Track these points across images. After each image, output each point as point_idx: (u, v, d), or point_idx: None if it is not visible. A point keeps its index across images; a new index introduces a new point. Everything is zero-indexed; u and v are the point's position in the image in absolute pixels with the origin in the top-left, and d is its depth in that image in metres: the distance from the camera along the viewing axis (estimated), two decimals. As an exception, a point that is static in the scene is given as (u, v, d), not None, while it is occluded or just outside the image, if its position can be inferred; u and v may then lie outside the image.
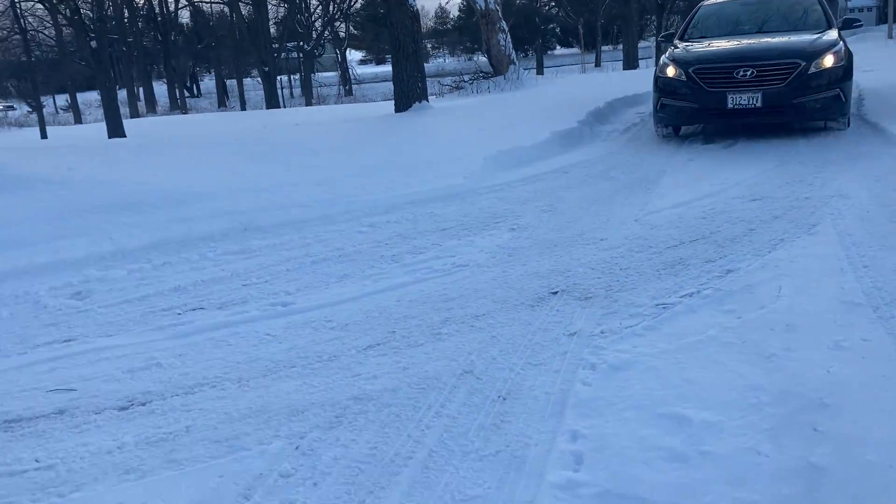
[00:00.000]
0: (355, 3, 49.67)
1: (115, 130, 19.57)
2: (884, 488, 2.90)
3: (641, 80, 16.81)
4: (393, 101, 17.15)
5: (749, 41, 11.23)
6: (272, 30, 45.77)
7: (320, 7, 47.43)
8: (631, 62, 40.67)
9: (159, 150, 10.47)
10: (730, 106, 10.16)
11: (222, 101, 48.54)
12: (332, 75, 52.13)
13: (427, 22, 57.40)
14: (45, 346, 5.04)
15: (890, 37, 41.65)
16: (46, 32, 40.84)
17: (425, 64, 18.72)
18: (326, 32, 49.05)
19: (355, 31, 55.48)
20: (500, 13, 23.81)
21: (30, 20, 35.97)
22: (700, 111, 10.64)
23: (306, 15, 47.23)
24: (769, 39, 11.14)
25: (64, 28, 38.59)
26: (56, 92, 53.60)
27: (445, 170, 9.63)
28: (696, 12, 13.17)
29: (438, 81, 26.83)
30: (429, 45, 54.62)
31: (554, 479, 3.12)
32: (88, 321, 5.47)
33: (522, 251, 6.41)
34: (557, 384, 3.95)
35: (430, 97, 17.56)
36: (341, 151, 10.86)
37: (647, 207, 7.49)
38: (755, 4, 12.81)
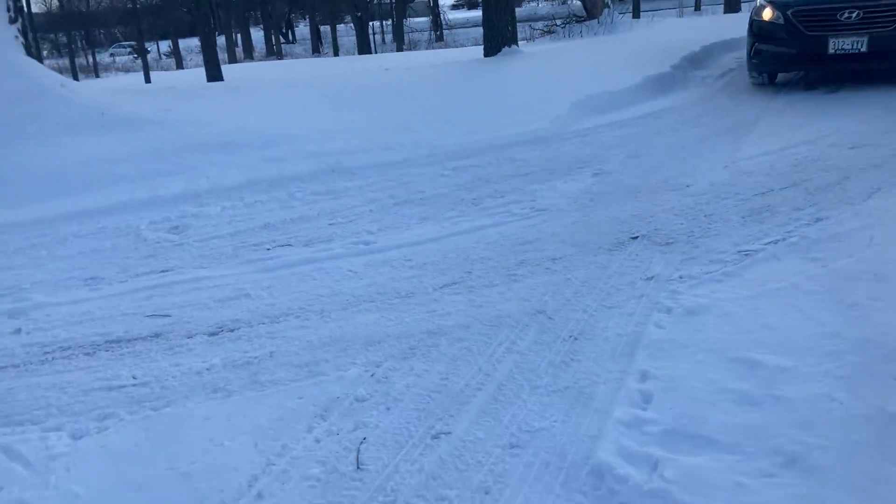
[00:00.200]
0: (448, -54, 48.90)
1: (214, 75, 20.14)
2: (964, 440, 2.81)
3: (741, 24, 15.99)
4: (482, 47, 16.97)
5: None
6: (365, -25, 45.72)
7: (413, -49, 47.01)
8: (732, 5, 38.69)
9: (253, 94, 10.77)
10: (831, 51, 9.57)
11: (316, 48, 49.09)
12: (423, 20, 51.84)
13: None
14: (144, 276, 5.36)
15: None
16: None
17: (517, 8, 18.40)
18: (419, -23, 48.63)
19: (448, -24, 54.72)
20: (595, -47, 23.01)
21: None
22: (798, 57, 10.07)
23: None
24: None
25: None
26: (159, 38, 55.33)
27: (531, 115, 9.54)
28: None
29: (530, 26, 26.31)
30: (522, -10, 53.34)
31: (621, 415, 3.16)
32: (184, 254, 5.77)
33: (605, 196, 6.35)
34: (630, 326, 3.95)
35: (520, 42, 17.28)
36: (427, 96, 10.88)
37: (737, 154, 7.25)
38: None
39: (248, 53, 48.90)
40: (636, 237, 5.27)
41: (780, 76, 11.08)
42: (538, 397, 3.37)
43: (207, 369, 3.79)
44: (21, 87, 8.64)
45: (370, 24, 43.88)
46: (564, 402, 3.32)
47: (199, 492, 2.80)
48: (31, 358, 4.11)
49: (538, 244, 5.32)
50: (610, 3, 23.56)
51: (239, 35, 52.56)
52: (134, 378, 3.76)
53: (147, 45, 38.96)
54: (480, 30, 17.35)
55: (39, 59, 14.12)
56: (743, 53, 11.59)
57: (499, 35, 16.05)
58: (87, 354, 4.10)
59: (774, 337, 3.64)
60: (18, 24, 9.27)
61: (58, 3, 52.27)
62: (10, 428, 3.34)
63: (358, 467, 2.93)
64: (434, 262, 5.15)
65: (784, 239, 4.88)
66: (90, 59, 43.55)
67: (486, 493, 2.78)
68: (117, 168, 7.62)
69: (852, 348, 3.47)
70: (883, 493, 2.57)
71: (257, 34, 56.02)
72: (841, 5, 9.56)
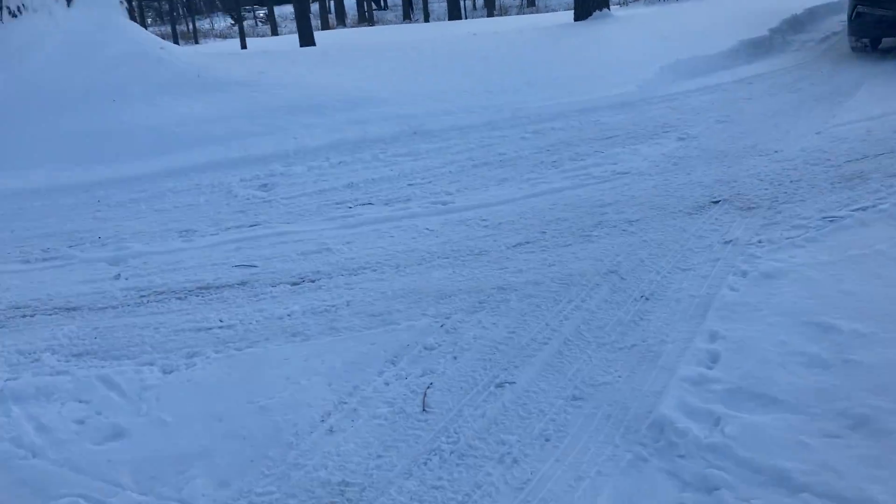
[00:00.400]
0: None
1: (306, 40, 20.49)
2: None
3: (850, -16, 15.19)
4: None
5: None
6: (458, -61, 45.32)
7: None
8: (845, -34, 36.52)
9: (342, 58, 10.96)
10: (938, 15, 8.98)
11: (407, 14, 49.17)
12: (515, -14, 51.05)
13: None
14: (234, 229, 5.63)
15: None
16: (247, -53, 42.95)
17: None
18: (512, -59, 47.85)
19: (542, -61, 53.64)
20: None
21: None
22: (901, 20, 9.47)
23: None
24: None
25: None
26: (255, 3, 56.54)
27: (618, 78, 9.39)
28: None
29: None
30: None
31: (686, 373, 3.17)
32: (271, 210, 6.02)
33: (688, 160, 6.23)
34: (703, 288, 3.92)
35: (612, 6, 16.89)
36: (512, 61, 10.82)
37: (833, 120, 6.95)
38: None
39: (341, 20, 49.41)
40: (717, 201, 5.18)
41: (885, 41, 10.48)
42: (604, 353, 3.41)
43: (288, 315, 3.99)
44: (125, 50, 9.09)
45: (461, -11, 43.54)
46: (630, 359, 3.34)
47: (275, 424, 2.99)
48: (129, 301, 4.42)
49: (616, 206, 5.29)
50: (709, -36, 22.63)
51: (332, 2, 53.14)
52: (221, 321, 3.99)
53: (244, 11, 39.92)
54: (573, 11, 17.02)
55: (144, 25, 14.72)
56: (850, 16, 11.01)
57: (590, -2, 15.75)
58: (179, 299, 4.37)
59: (853, 303, 3.54)
60: (123, -10, 9.73)
61: (161, -28, 54.08)
62: (108, 362, 3.62)
63: (424, 409, 3.06)
64: (509, 221, 5.21)
65: (874, 206, 4.69)
66: (190, 26, 44.95)
67: (547, 440, 2.86)
68: (212, 128, 7.95)
69: (935, 316, 3.35)
70: (953, 458, 2.51)
71: (350, 1, 56.52)
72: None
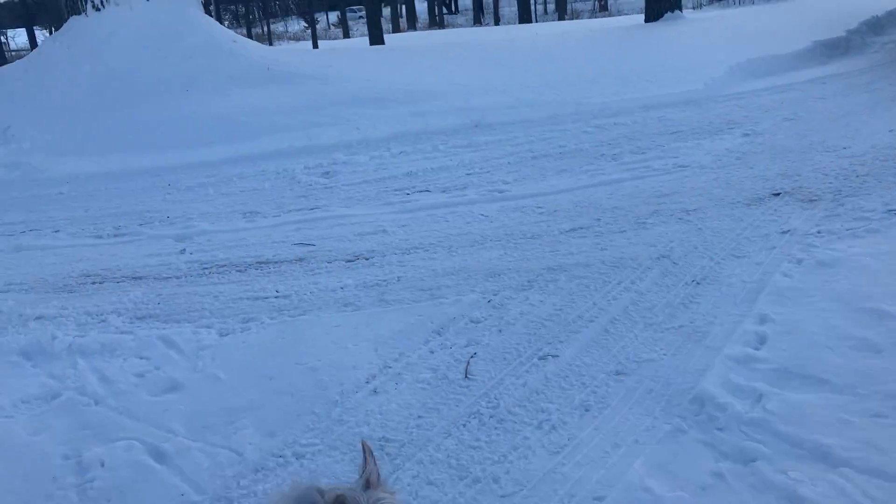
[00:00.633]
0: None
1: (376, 41, 20.84)
2: None
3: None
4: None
5: None
6: (530, -56, 45.36)
7: (581, -82, 46.01)
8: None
9: (407, 55, 11.13)
10: None
11: (477, 18, 49.35)
12: (587, -9, 50.69)
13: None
14: (295, 212, 5.80)
15: None
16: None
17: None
18: (585, -55, 47.59)
19: (616, -56, 53.15)
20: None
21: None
22: None
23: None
24: None
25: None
26: (328, 9, 57.64)
27: (684, 77, 9.27)
28: None
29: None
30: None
31: (732, 352, 3.14)
32: (332, 195, 6.17)
33: (752, 156, 6.12)
34: (757, 275, 3.87)
35: (686, 9, 16.66)
36: (578, 59, 10.80)
37: (908, 119, 6.73)
38: None
39: (412, 24, 49.93)
40: (778, 194, 5.09)
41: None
42: (650, 333, 3.41)
43: (341, 288, 4.10)
44: (199, 42, 9.43)
45: (533, -6, 43.53)
46: (676, 339, 3.33)
47: (323, 383, 3.09)
48: (192, 272, 4.61)
49: (674, 197, 5.25)
50: (788, -33, 22.07)
51: (403, 6, 53.78)
52: (277, 292, 4.13)
53: (315, 15, 40.82)
54: (644, 11, 16.86)
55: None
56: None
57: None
58: (239, 271, 4.53)
59: (911, 291, 3.45)
60: (200, -15, 10.10)
61: (240, -24, 55.68)
62: (169, 324, 3.79)
63: (466, 376, 3.11)
64: (565, 209, 5.22)
65: (943, 200, 4.55)
66: (265, 29, 46.13)
67: (587, 410, 2.88)
68: (278, 118, 8.19)
69: None
70: None
71: (421, 5, 57.08)
72: None
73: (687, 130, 7.15)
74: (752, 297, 3.64)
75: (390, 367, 3.20)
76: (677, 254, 4.22)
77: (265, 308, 3.91)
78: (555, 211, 5.20)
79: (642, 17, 17.43)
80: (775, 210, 4.79)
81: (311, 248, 4.89)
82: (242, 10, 51.92)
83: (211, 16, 10.17)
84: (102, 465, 2.64)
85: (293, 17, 57.54)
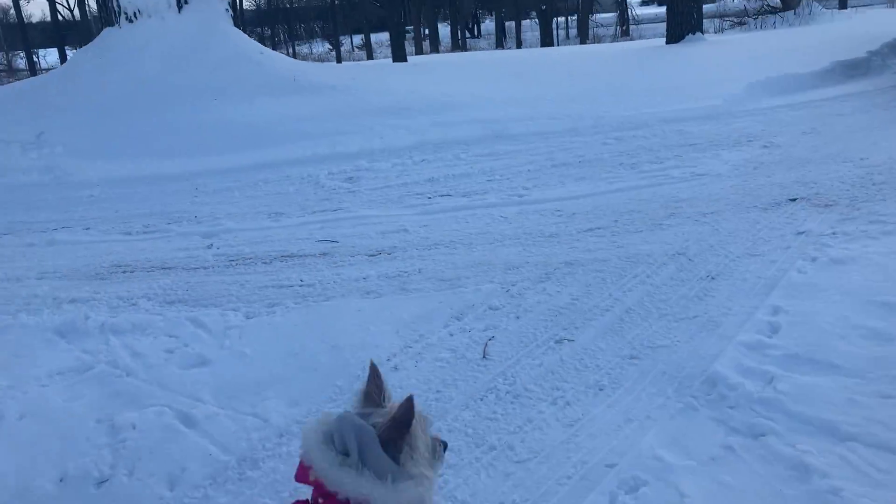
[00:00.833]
0: (640, -61, 47.93)
1: (399, 60, 21.13)
2: None
3: (959, 10, 14.63)
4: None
5: None
6: (553, -31, 45.89)
7: (603, -55, 46.52)
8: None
9: (430, 70, 11.34)
10: None
11: (500, 42, 49.83)
12: (610, 16, 51.05)
13: (717, -41, 53.60)
14: (318, 213, 5.94)
15: None
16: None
17: (710, 3, 17.82)
18: (608, -29, 48.04)
19: (638, -29, 53.60)
20: (794, -60, 21.77)
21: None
22: None
23: (588, -47, 46.54)
24: None
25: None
26: (352, 32, 58.47)
27: (704, 93, 9.36)
28: None
29: (720, 18, 25.36)
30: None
31: (744, 339, 3.21)
32: (354, 198, 6.31)
33: (769, 165, 6.20)
34: (771, 271, 3.94)
35: (708, 33, 16.77)
36: (599, 75, 10.94)
37: (926, 133, 6.78)
38: None
39: (435, 47, 50.49)
40: (794, 199, 5.16)
41: None
42: (665, 322, 3.48)
43: (364, 278, 4.22)
44: (227, 53, 9.68)
45: (555, 19, 43.91)
46: (690, 328, 3.41)
47: (345, 360, 3.20)
48: (218, 263, 4.75)
49: (691, 202, 5.33)
50: (809, -8, 22.19)
51: (426, 30, 54.43)
52: (301, 281, 4.26)
53: (340, 38, 41.54)
54: (666, 33, 16.99)
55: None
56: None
57: (683, 21, 15.69)
58: (265, 263, 4.67)
59: (924, 285, 3.51)
60: (229, -1, 10.39)
61: (265, 0, 56.71)
62: (197, 307, 3.92)
63: (484, 356, 3.21)
64: (583, 212, 5.32)
65: (958, 205, 4.59)
66: (290, 50, 46.95)
67: (600, 389, 2.96)
68: (303, 126, 8.37)
69: None
70: None
71: (444, 29, 57.72)
72: None
73: (705, 143, 7.24)
74: (766, 291, 3.71)
75: (410, 347, 3.31)
76: (693, 251, 4.30)
77: (290, 295, 4.04)
78: (573, 214, 5.30)
79: (664, 40, 17.59)
80: (791, 214, 4.86)
81: (335, 244, 5.02)
82: (268, 31, 52.82)
83: (239, 27, 10.42)
84: (134, 427, 2.76)
85: (318, 39, 58.44)
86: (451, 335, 3.41)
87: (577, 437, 2.65)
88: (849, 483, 2.28)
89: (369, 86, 9.61)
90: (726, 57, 12.57)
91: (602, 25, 47.24)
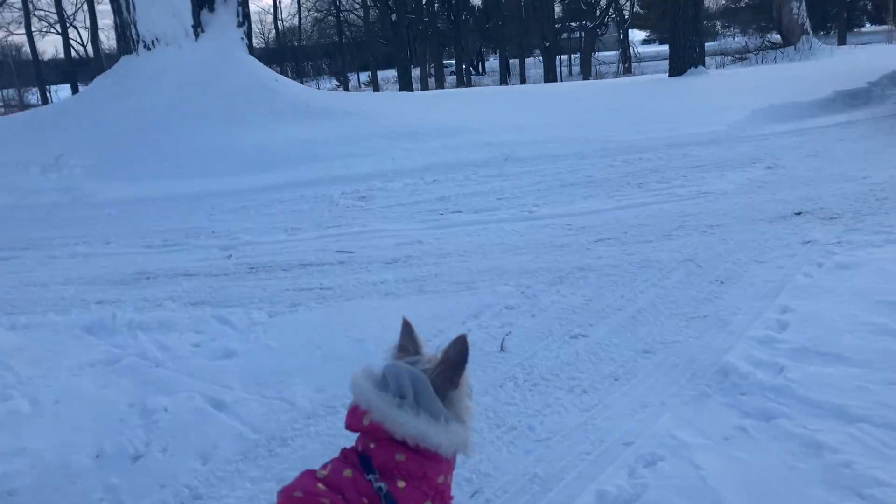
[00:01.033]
0: (643, -22, 48.88)
1: (406, 89, 21.55)
2: None
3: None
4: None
5: None
6: (556, 8, 46.73)
7: (607, -16, 47.42)
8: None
9: (438, 97, 11.58)
10: None
11: (504, 79, 50.52)
12: (612, 54, 51.80)
13: (719, 0, 54.54)
14: (333, 228, 6.07)
15: None
16: (356, 13, 45.62)
17: (712, 42, 18.15)
18: (610, 10, 48.87)
19: (640, 10, 54.43)
20: (794, -22, 22.22)
21: (343, 1, 40.40)
22: None
23: (592, -8, 47.45)
24: None
25: (370, 9, 42.91)
26: (360, 70, 59.33)
27: (708, 119, 9.56)
28: None
29: (721, 54, 25.78)
30: (718, 24, 51.93)
31: (755, 334, 3.32)
32: (368, 215, 6.45)
33: (774, 184, 6.34)
34: (778, 275, 4.05)
35: (710, 68, 17.07)
36: (604, 103, 11.16)
37: (927, 154, 6.93)
38: None
39: (440, 84, 51.22)
40: (800, 213, 5.28)
41: None
42: (676, 321, 3.59)
43: (382, 282, 4.34)
44: (243, 81, 9.92)
45: (558, 57, 44.58)
46: (701, 325, 3.51)
47: (367, 351, 3.30)
48: (239, 270, 4.87)
49: (698, 216, 5.46)
50: (809, 29, 22.59)
51: (432, 67, 55.27)
52: (321, 285, 4.38)
53: (348, 75, 42.28)
54: (668, 67, 17.28)
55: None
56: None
57: (685, 55, 15.98)
58: (284, 270, 4.79)
59: (928, 286, 3.61)
60: (245, 28, 10.66)
61: (274, 38, 57.64)
62: (221, 307, 4.04)
63: (501, 349, 3.31)
64: (592, 226, 5.44)
65: (960, 216, 4.71)
66: (298, 86, 47.81)
67: (615, 380, 3.06)
68: (316, 149, 8.56)
69: None
70: None
71: (449, 67, 58.59)
72: None
73: (710, 164, 7.39)
74: (774, 293, 3.82)
75: (430, 341, 3.36)
76: (701, 258, 4.41)
77: (311, 296, 4.15)
78: (582, 227, 5.43)
79: (666, 74, 17.89)
80: (797, 226, 4.98)
81: (351, 254, 5.14)
82: (277, 69, 53.72)
83: (254, 55, 10.69)
84: (166, 410, 2.86)
85: (325, 76, 59.21)
86: (469, 331, 3.52)
87: (594, 420, 2.74)
88: (860, 458, 2.37)
89: (381, 111, 9.83)
90: (729, 87, 12.83)
91: (605, 63, 47.96)
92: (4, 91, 44.86)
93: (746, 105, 10.28)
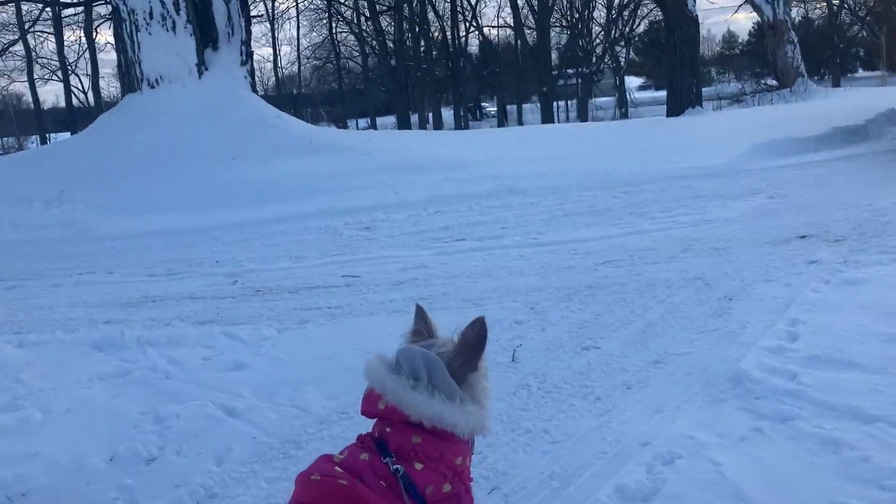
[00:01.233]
0: (637, 27, 49.72)
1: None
2: None
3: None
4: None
5: None
6: (553, 55, 47.46)
7: (602, 33, 48.27)
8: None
9: (441, 134, 11.71)
10: None
11: (501, 124, 51.13)
12: (608, 100, 52.51)
13: (714, 47, 55.51)
14: (338, 255, 6.09)
15: None
16: (355, 60, 46.33)
17: (708, 87, 18.46)
18: (606, 57, 49.64)
19: (636, 58, 55.33)
20: (788, 24, 22.67)
21: (342, 48, 41.06)
22: None
23: (587, 39, 48.28)
24: None
25: (369, 56, 43.60)
26: (358, 116, 60.09)
27: (708, 153, 9.67)
28: None
29: (718, 98, 26.16)
30: (713, 71, 52.83)
31: (766, 344, 3.31)
32: (372, 244, 6.47)
33: (776, 211, 6.39)
34: (787, 292, 4.06)
35: (708, 110, 17.33)
36: (605, 139, 11.30)
37: (926, 183, 6.99)
38: None
39: (438, 128, 51.83)
40: (804, 236, 5.31)
41: None
42: (686, 334, 3.59)
43: (390, 301, 4.34)
44: (246, 117, 10.04)
45: (555, 103, 45.17)
46: (712, 338, 3.51)
47: (378, 361, 3.28)
48: (245, 293, 4.87)
49: (703, 241, 5.48)
50: (804, 72, 22.94)
51: (431, 113, 55.95)
52: (329, 304, 4.38)
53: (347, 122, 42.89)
54: (666, 108, 17.54)
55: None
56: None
57: (683, 96, 16.26)
58: (291, 293, 4.79)
59: (936, 298, 3.62)
60: (248, 67, 10.83)
61: (274, 85, 58.53)
62: (230, 325, 4.03)
63: (513, 360, 3.30)
64: (598, 251, 5.46)
65: (963, 236, 4.74)
66: (298, 132, 48.36)
67: (628, 388, 3.05)
68: (320, 182, 8.62)
69: None
70: None
71: (447, 113, 59.28)
72: None
73: (712, 195, 7.45)
74: (783, 307, 3.82)
75: (441, 353, 3.39)
76: (709, 277, 4.43)
77: (319, 314, 4.15)
78: (588, 252, 5.45)
79: (664, 116, 18.13)
80: (802, 247, 5.01)
81: (357, 278, 5.15)
82: (276, 114, 54.34)
83: (257, 93, 10.83)
84: (178, 416, 2.84)
85: (324, 122, 59.91)
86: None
87: (609, 423, 2.73)
88: (878, 453, 2.36)
89: (383, 146, 9.93)
90: (728, 125, 13.00)
91: (601, 108, 48.50)
92: (4, 139, 45.20)
93: (746, 140, 10.40)
